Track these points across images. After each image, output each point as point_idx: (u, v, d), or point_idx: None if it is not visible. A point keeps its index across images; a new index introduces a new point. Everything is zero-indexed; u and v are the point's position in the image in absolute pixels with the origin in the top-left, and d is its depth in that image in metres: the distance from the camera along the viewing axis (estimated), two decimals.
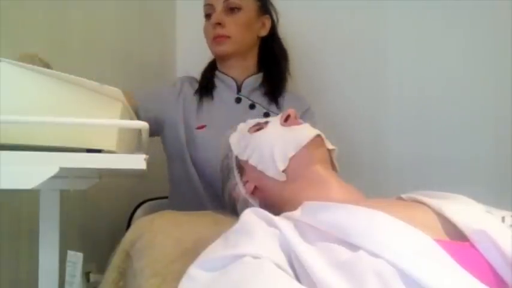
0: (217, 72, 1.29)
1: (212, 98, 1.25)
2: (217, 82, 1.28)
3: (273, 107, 1.25)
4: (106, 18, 1.35)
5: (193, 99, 1.25)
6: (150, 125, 1.17)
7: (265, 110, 1.23)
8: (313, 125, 1.24)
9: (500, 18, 1.42)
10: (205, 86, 1.27)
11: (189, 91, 1.27)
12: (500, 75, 1.42)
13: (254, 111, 1.23)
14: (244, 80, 1.27)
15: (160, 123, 1.23)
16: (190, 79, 1.32)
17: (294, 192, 0.79)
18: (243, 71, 1.28)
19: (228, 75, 1.27)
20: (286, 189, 0.81)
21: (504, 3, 1.41)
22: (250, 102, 1.24)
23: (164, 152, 1.28)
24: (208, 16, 1.25)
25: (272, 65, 1.30)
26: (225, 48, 1.22)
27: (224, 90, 1.26)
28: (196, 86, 1.28)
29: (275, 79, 1.29)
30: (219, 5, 1.22)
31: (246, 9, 1.24)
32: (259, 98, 1.26)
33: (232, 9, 1.22)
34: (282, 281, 0.54)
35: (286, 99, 1.28)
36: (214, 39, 1.22)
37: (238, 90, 1.26)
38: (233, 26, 1.21)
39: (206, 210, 0.99)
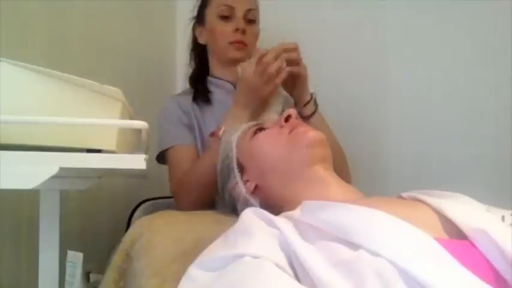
0: (209, 78, 1.29)
1: (211, 103, 1.24)
2: (211, 87, 1.27)
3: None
4: (106, 18, 1.35)
5: (195, 110, 1.23)
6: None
7: None
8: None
9: (500, 18, 1.42)
10: (202, 92, 1.25)
11: (187, 106, 1.23)
12: (500, 75, 1.42)
13: None
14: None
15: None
16: (176, 97, 1.29)
17: (294, 192, 0.79)
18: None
19: (225, 80, 1.27)
20: (287, 188, 0.81)
21: (504, 3, 1.41)
22: None
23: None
24: (225, 18, 1.23)
25: None
26: (243, 55, 1.23)
27: (222, 94, 1.25)
28: (188, 97, 1.25)
29: None
30: (241, 11, 1.23)
31: (257, 22, 1.28)
32: None
33: (250, 21, 1.25)
34: (281, 280, 0.54)
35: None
36: (234, 44, 1.23)
37: None
38: (252, 36, 1.25)
39: None
